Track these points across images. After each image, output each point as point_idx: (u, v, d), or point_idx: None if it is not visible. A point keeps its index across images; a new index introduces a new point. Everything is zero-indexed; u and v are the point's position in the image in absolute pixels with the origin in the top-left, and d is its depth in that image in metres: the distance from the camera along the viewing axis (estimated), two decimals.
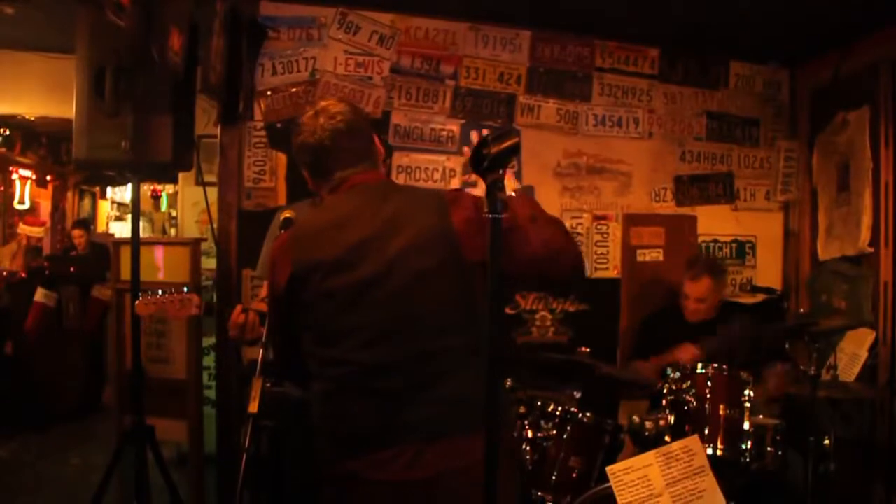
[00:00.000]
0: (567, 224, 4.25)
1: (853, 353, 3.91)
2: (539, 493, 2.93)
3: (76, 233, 7.76)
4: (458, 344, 1.92)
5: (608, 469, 2.17)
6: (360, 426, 1.94)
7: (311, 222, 2.11)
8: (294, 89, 3.93)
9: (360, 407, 1.95)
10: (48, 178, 9.22)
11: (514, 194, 1.99)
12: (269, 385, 2.29)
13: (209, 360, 4.32)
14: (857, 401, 3.77)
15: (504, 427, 2.17)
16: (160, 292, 2.57)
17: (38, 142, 8.67)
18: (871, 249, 3.96)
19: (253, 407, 2.14)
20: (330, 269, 1.95)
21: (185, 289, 2.63)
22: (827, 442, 3.15)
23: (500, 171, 1.29)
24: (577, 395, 3.15)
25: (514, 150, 1.33)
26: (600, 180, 4.37)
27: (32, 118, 7.42)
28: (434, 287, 1.93)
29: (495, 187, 1.26)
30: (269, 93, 3.89)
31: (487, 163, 1.29)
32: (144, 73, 2.90)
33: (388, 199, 2.02)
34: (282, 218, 2.50)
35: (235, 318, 2.56)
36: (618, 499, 2.17)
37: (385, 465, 1.91)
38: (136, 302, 2.58)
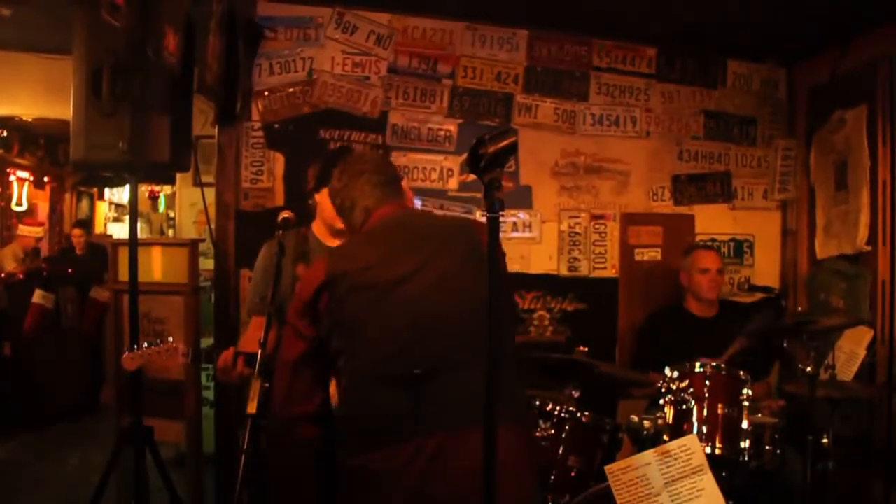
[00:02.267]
0: (565, 224, 4.31)
1: (851, 351, 3.91)
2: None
3: (76, 232, 7.75)
4: (482, 337, 1.92)
5: (607, 468, 2.17)
6: (382, 415, 1.99)
7: (343, 247, 2.37)
8: (291, 89, 3.92)
9: (383, 396, 2.01)
10: (46, 179, 9.22)
11: None
12: (266, 385, 2.29)
13: None
14: (855, 399, 3.77)
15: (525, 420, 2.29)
16: (146, 345, 2.58)
17: (36, 143, 8.67)
18: (868, 248, 3.96)
19: (252, 407, 2.15)
20: (361, 270, 2.08)
21: (171, 339, 2.64)
22: (825, 440, 3.15)
23: (498, 171, 1.29)
24: (576, 394, 3.15)
25: (512, 150, 1.34)
26: (598, 179, 4.37)
27: (30, 119, 7.44)
28: (462, 284, 2.04)
29: (493, 186, 1.26)
30: (266, 93, 3.89)
31: (485, 162, 1.29)
32: (141, 74, 2.90)
33: (417, 220, 2.35)
34: (280, 219, 2.51)
35: (221, 364, 2.56)
36: (616, 498, 2.17)
37: (405, 460, 1.94)
38: (123, 357, 2.61)
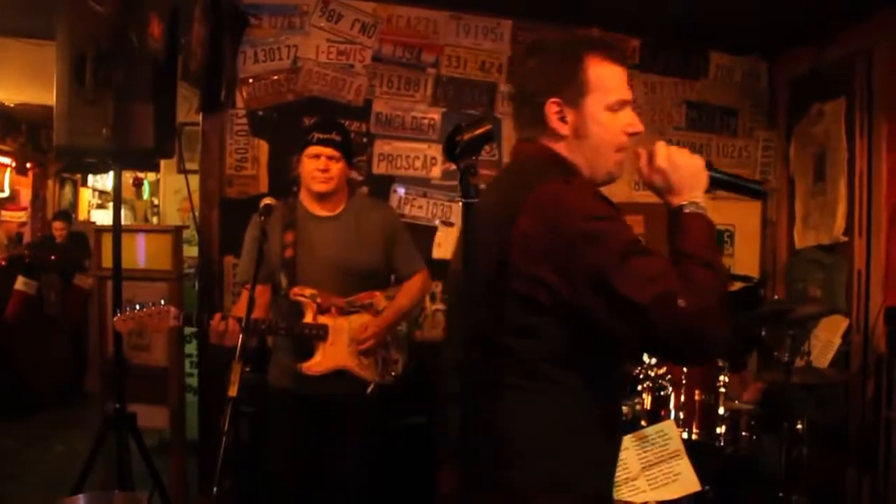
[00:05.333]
0: None
1: (827, 339, 3.97)
2: None
3: (57, 225, 7.71)
4: (489, 372, 1.55)
5: None
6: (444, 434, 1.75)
7: None
8: (276, 77, 3.93)
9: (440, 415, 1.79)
10: (28, 165, 9.14)
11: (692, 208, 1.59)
12: (248, 370, 2.31)
13: (191, 348, 4.33)
14: (830, 386, 3.84)
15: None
16: (137, 306, 2.60)
17: (18, 129, 8.59)
18: (845, 238, 4.02)
19: (232, 391, 2.17)
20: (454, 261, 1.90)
21: (163, 301, 2.66)
22: (800, 426, 3.21)
23: (474, 158, 1.31)
24: None
25: (487, 138, 1.35)
26: None
27: (12, 105, 7.36)
28: (471, 302, 1.65)
29: (468, 173, 1.29)
30: (250, 80, 3.90)
31: (460, 149, 1.32)
32: (125, 60, 2.91)
33: (495, 191, 1.70)
34: (262, 205, 2.53)
35: (215, 326, 2.59)
36: None
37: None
38: (115, 318, 2.63)
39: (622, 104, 1.64)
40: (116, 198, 3.32)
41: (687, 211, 1.56)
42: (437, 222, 4.14)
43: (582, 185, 1.56)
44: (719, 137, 4.64)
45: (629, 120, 1.66)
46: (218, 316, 2.62)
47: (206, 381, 3.82)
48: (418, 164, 4.13)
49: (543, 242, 1.46)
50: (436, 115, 4.16)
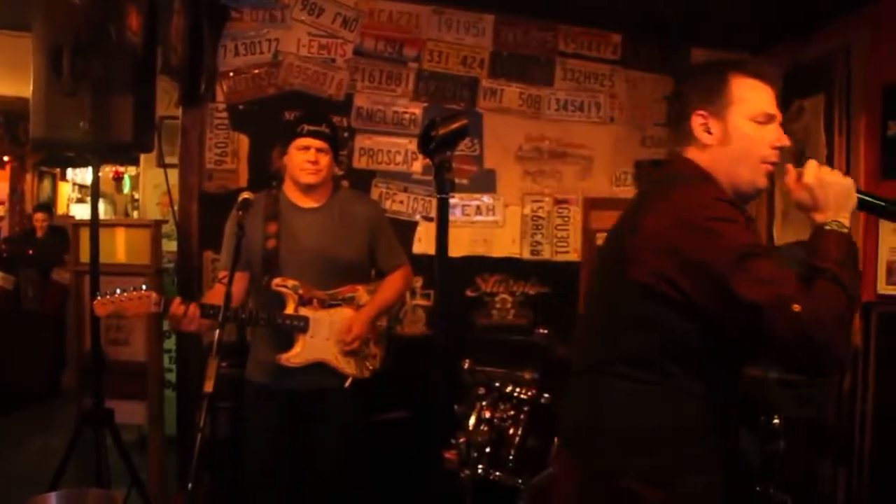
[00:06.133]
0: (528, 208, 4.34)
1: None
2: (497, 473, 2.98)
3: (38, 216, 7.64)
4: (601, 360, 1.75)
5: None
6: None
7: None
8: (256, 71, 3.91)
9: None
10: (5, 158, 9.04)
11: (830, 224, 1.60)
12: (224, 365, 2.30)
13: (170, 344, 4.30)
14: (807, 382, 3.87)
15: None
16: (118, 291, 2.56)
17: None
18: None
19: (208, 386, 2.16)
20: None
21: (144, 286, 2.62)
22: (777, 421, 3.24)
23: (448, 153, 1.31)
24: (534, 375, 3.20)
25: (461, 133, 1.36)
26: (562, 164, 4.41)
27: None
28: (597, 298, 1.85)
29: (443, 168, 1.29)
30: (231, 74, 3.87)
31: (434, 144, 1.32)
32: (102, 53, 2.88)
33: (637, 196, 1.89)
34: (240, 199, 2.52)
35: (174, 310, 2.58)
36: None
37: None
38: (94, 302, 2.59)
39: (768, 118, 1.72)
40: (94, 192, 3.29)
41: (828, 228, 1.59)
42: (417, 217, 4.13)
43: (711, 189, 1.66)
44: None
45: (776, 135, 1.73)
46: (177, 300, 2.59)
47: (184, 376, 3.80)
48: (399, 158, 4.12)
49: (669, 238, 1.56)
50: (417, 109, 4.15)
